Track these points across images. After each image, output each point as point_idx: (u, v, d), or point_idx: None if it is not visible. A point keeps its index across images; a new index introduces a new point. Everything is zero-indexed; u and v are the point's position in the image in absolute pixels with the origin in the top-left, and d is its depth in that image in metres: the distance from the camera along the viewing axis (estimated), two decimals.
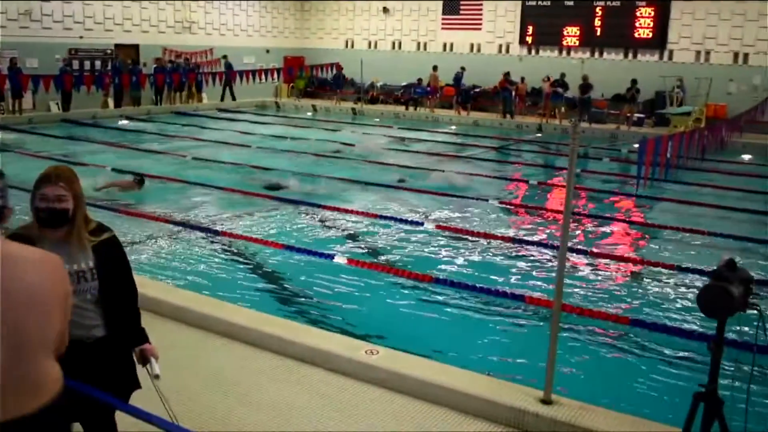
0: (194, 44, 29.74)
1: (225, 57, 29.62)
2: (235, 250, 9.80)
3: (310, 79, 33.42)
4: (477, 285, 8.46)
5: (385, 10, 32.53)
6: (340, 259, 9.22)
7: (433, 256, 9.83)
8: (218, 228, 10.71)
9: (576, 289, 8.52)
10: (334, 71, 30.63)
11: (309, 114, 29.55)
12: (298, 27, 34.92)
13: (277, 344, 6.03)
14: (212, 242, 10.11)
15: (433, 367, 5.65)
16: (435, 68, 29.55)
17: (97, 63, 26.25)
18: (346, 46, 34.00)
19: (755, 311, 3.64)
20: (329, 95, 32.60)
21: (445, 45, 31.34)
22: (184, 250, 9.74)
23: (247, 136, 21.23)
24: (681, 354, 6.87)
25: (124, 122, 23.91)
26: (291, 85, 33.16)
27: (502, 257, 9.87)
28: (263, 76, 28.62)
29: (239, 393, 5.32)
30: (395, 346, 6.39)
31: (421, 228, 11.15)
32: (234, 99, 29.32)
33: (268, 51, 32.89)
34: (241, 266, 9.22)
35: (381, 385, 5.47)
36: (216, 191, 13.23)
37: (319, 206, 12.26)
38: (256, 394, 5.31)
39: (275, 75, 29.61)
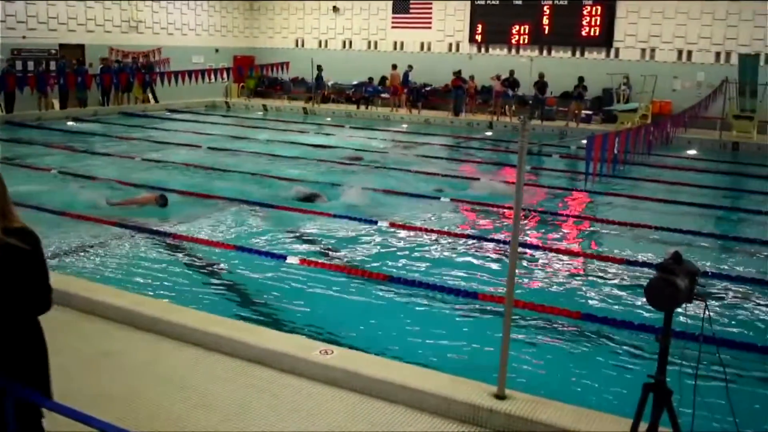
0: (141, 44, 29.28)
1: (146, 56, 29.00)
2: (186, 252, 9.67)
3: (261, 79, 33.17)
4: (430, 282, 8.50)
5: (335, 9, 32.46)
6: (292, 259, 9.17)
7: (386, 254, 9.84)
8: (168, 230, 10.56)
9: (528, 285, 8.62)
10: (316, 72, 30.09)
11: (260, 114, 29.34)
12: (248, 26, 34.64)
13: (229, 346, 5.97)
14: (162, 245, 9.97)
15: (387, 365, 5.65)
16: (394, 67, 29.54)
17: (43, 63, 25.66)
18: (297, 45, 33.83)
19: (701, 302, 3.73)
20: (279, 95, 32.42)
21: (395, 44, 31.40)
22: (133, 253, 9.57)
23: (197, 136, 20.99)
24: (631, 346, 6.99)
25: (71, 123, 23.43)
26: (241, 84, 32.86)
27: (454, 254, 9.92)
28: (212, 76, 28.30)
29: (192, 396, 5.25)
30: (350, 345, 6.39)
31: (375, 226, 11.15)
32: (156, 101, 28.46)
33: (217, 50, 32.55)
34: (192, 268, 9.10)
35: (335, 384, 5.45)
36: (166, 193, 13.01)
37: (271, 207, 12.18)
38: (209, 397, 5.24)
39: (225, 75, 29.32)
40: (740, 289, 8.76)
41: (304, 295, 8.17)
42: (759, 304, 8.34)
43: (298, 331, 6.86)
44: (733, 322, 7.65)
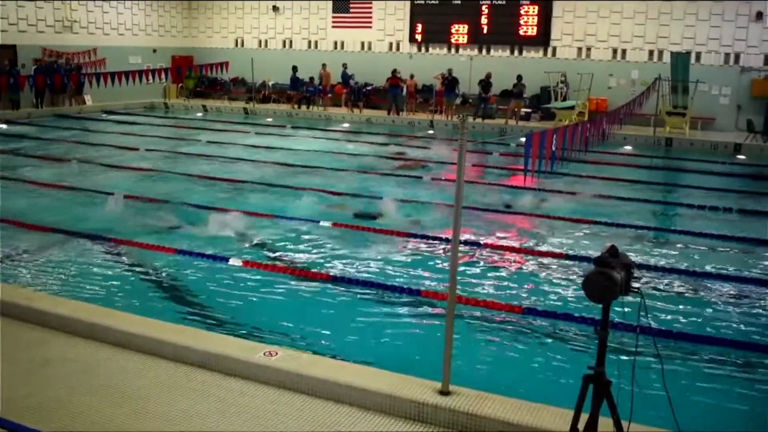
0: (76, 44, 28.58)
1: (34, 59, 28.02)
2: (125, 257, 9.49)
3: (200, 79, 32.72)
4: (374, 281, 8.53)
5: (275, 8, 32.24)
6: (234, 261, 9.09)
7: (329, 254, 9.82)
8: (107, 235, 10.34)
9: (471, 281, 8.71)
10: (292, 73, 29.58)
11: (199, 114, 28.95)
12: (186, 26, 34.13)
13: (172, 351, 5.89)
14: (101, 249, 9.76)
15: (332, 365, 5.66)
16: (324, 66, 29.48)
17: None
18: (236, 44, 33.49)
19: (637, 294, 3.83)
20: (219, 95, 32.06)
21: (336, 43, 31.35)
22: (71, 259, 9.35)
23: (134, 138, 20.62)
24: (572, 338, 7.14)
25: (2, 126, 22.75)
26: (180, 85, 32.37)
27: (398, 253, 9.96)
28: (150, 77, 27.77)
29: (134, 404, 5.17)
30: (294, 347, 6.37)
31: (318, 226, 11.13)
32: (41, 107, 27.12)
33: (155, 50, 31.99)
34: (132, 273, 8.94)
35: (281, 386, 5.44)
36: (103, 197, 12.77)
37: (212, 209, 12.05)
38: (152, 404, 5.17)
39: (163, 75, 28.82)
40: (674, 281, 9.01)
41: (248, 297, 8.11)
42: (692, 295, 8.60)
43: (241, 334, 6.81)
44: (668, 313, 7.87)
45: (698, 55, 25.08)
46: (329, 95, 29.72)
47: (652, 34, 25.86)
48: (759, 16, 24.30)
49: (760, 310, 8.16)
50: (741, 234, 11.43)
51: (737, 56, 24.87)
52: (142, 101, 30.04)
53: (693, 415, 5.33)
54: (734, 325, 7.69)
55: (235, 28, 33.55)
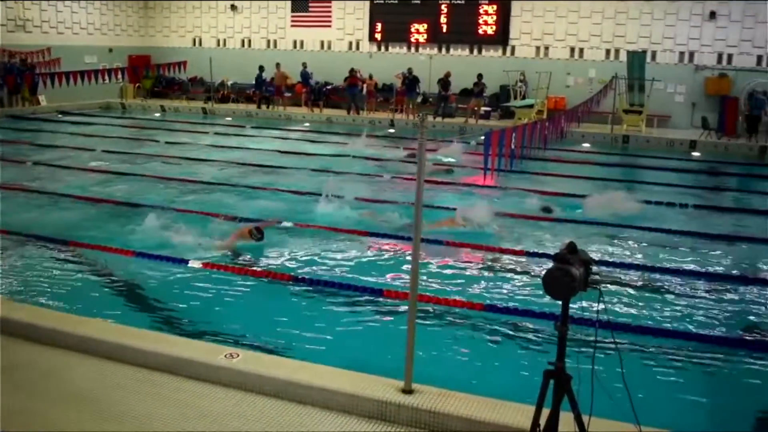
0: (29, 43, 28.03)
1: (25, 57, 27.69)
2: (84, 260, 9.33)
3: (158, 79, 32.31)
4: (336, 281, 8.51)
5: (233, 7, 31.99)
6: (194, 263, 8.99)
7: (290, 255, 9.77)
8: (64, 238, 10.15)
9: (432, 280, 8.73)
10: (258, 72, 29.14)
11: (157, 115, 28.60)
12: (143, 25, 33.68)
13: (133, 355, 5.80)
14: (58, 253, 9.58)
15: (294, 366, 5.63)
16: (278, 66, 29.28)
17: None
18: (194, 44, 33.16)
19: (596, 290, 3.87)
20: (177, 95, 31.71)
21: (295, 42, 31.22)
22: (29, 263, 9.16)
23: (90, 139, 20.30)
24: (532, 334, 7.20)
25: None
26: (137, 85, 31.94)
27: (359, 252, 9.95)
28: (106, 77, 27.35)
29: (96, 409, 5.08)
30: (256, 348, 6.33)
31: (279, 226, 11.07)
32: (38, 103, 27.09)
33: (111, 50, 31.51)
34: (91, 276, 8.79)
35: (243, 388, 5.40)
36: (61, 199, 12.55)
37: (172, 210, 11.91)
38: (114, 408, 5.09)
39: (119, 75, 28.41)
40: (632, 276, 9.14)
41: (208, 299, 8.04)
42: (649, 289, 8.73)
43: (203, 337, 6.74)
44: (626, 307, 7.99)
45: (654, 54, 25.51)
46: (288, 95, 29.51)
47: (609, 33, 26.23)
48: (712, 15, 24.79)
49: (716, 304, 8.32)
50: (697, 229, 11.63)
51: (691, 55, 25.34)
52: (98, 101, 29.58)
53: (652, 408, 5.41)
54: (691, 319, 7.83)
55: (193, 27, 33.22)
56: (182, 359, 5.67)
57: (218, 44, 32.72)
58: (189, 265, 8.97)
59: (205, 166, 16.59)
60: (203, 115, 28.80)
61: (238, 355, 5.67)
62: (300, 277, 8.63)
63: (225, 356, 5.65)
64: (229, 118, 27.58)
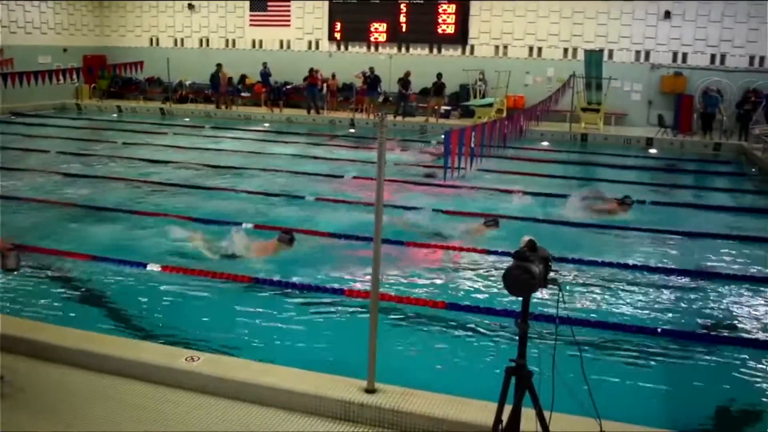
0: None
1: None
2: (39, 265, 9.12)
3: (114, 79, 31.82)
4: (297, 282, 8.46)
5: (191, 6, 31.64)
6: (153, 267, 8.87)
7: (252, 256, 9.68)
8: (18, 242, 9.90)
9: (394, 279, 8.73)
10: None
11: (114, 115, 28.18)
12: (98, 24, 33.13)
13: (92, 360, 5.70)
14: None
15: (256, 368, 5.59)
16: (220, 66, 28.90)
17: None
18: (151, 43, 32.72)
19: (555, 287, 3.90)
20: (134, 95, 31.27)
21: (254, 42, 31.00)
22: None
23: (44, 140, 19.92)
24: (494, 332, 7.24)
25: None
26: (93, 85, 31.42)
27: (320, 253, 9.91)
28: (61, 77, 26.82)
29: (52, 417, 4.98)
30: (217, 351, 6.26)
31: (240, 228, 10.97)
32: None
33: (65, 50, 30.91)
34: (47, 282, 8.61)
35: (204, 391, 5.35)
36: (13, 202, 12.29)
37: (128, 212, 11.75)
38: (72, 416, 4.99)
39: (74, 75, 27.90)
40: (591, 272, 9.25)
41: (168, 302, 7.94)
42: (608, 285, 8.84)
43: (162, 340, 6.65)
44: (586, 303, 8.08)
45: (611, 53, 25.85)
46: (218, 94, 29.21)
47: (567, 32, 26.52)
48: (667, 14, 25.21)
49: (674, 298, 8.45)
50: (653, 225, 11.81)
51: (647, 54, 25.75)
52: (53, 102, 29.04)
53: (612, 402, 5.47)
54: (649, 314, 7.95)
55: (150, 27, 32.77)
56: (141, 363, 5.59)
57: (176, 44, 32.33)
58: (148, 268, 8.84)
59: (164, 167, 16.38)
60: (161, 115, 28.45)
61: (199, 358, 5.62)
62: (261, 278, 8.56)
63: (185, 359, 5.59)
64: (188, 119, 27.29)
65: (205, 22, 31.75)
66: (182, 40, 32.28)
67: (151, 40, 32.79)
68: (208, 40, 31.86)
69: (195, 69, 30.48)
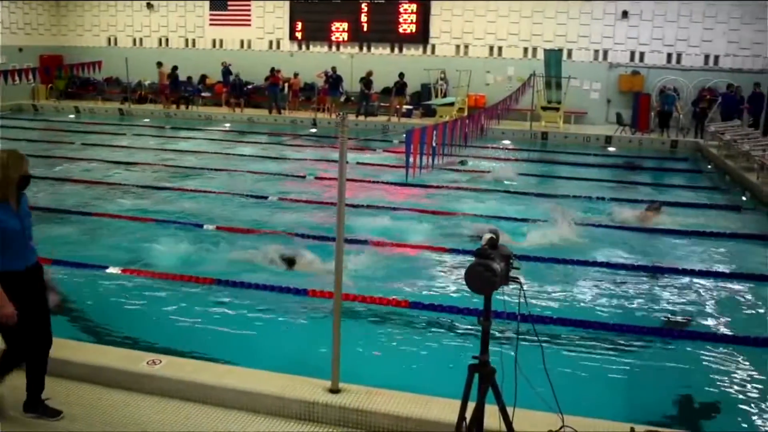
0: None
1: None
2: None
3: (71, 79, 31.29)
4: (260, 284, 8.41)
5: (149, 5, 31.26)
6: (113, 269, 8.75)
7: (213, 258, 9.60)
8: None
9: (357, 279, 8.70)
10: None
11: (72, 116, 27.70)
12: (54, 24, 32.56)
13: (52, 366, 5.58)
14: None
15: (218, 370, 5.55)
16: (159, 65, 28.66)
17: None
18: (109, 43, 32.25)
19: (516, 284, 3.94)
20: (92, 96, 30.78)
21: (214, 41, 30.74)
22: None
23: (1, 142, 19.51)
24: (457, 329, 7.28)
25: None
26: (50, 85, 30.85)
27: (284, 253, 9.84)
28: (17, 77, 26.33)
29: (12, 424, 4.89)
30: (180, 354, 6.20)
31: (201, 230, 10.88)
32: None
33: (21, 50, 30.33)
34: None
35: (166, 395, 5.30)
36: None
37: (87, 214, 11.58)
38: (31, 425, 4.90)
39: (30, 75, 27.39)
40: (551, 268, 9.34)
41: (128, 305, 7.84)
42: (569, 281, 8.94)
43: (123, 344, 6.57)
44: (547, 299, 8.16)
45: (570, 52, 26.14)
46: (160, 94, 28.98)
47: (527, 32, 26.75)
48: (624, 14, 25.57)
49: (634, 293, 8.58)
50: (612, 222, 11.97)
51: (605, 53, 26.09)
52: (9, 103, 28.40)
53: (574, 397, 5.54)
54: (609, 309, 8.06)
55: (108, 26, 32.30)
56: (102, 368, 5.53)
57: (134, 43, 31.91)
58: (107, 271, 8.72)
59: (123, 168, 16.18)
60: (120, 116, 28.07)
61: (161, 361, 5.56)
62: (222, 280, 8.49)
63: (147, 363, 5.53)
64: (148, 120, 26.96)
65: (164, 22, 31.39)
66: (141, 39, 31.87)
67: (109, 39, 32.32)
68: (167, 40, 31.50)
69: (154, 69, 30.08)
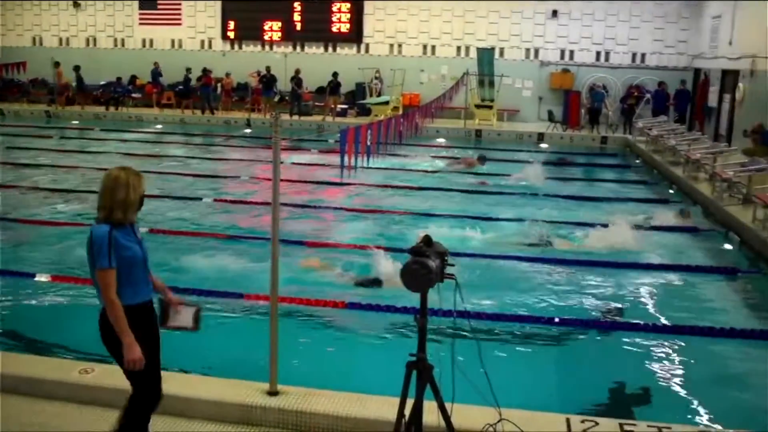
0: None
1: None
2: None
3: None
4: (194, 287, 8.26)
5: (76, 4, 30.48)
6: (42, 277, 8.49)
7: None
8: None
9: (293, 280, 8.62)
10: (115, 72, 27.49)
11: None
12: None
13: None
14: None
15: None
16: (57, 64, 28.00)
17: None
18: (34, 43, 31.34)
19: (452, 281, 3.96)
20: (17, 97, 29.79)
21: (144, 41, 30.16)
22: None
23: None
24: (395, 328, 7.30)
25: None
26: None
27: (218, 256, 9.71)
28: None
29: None
30: (112, 362, 6.04)
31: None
32: None
33: None
34: None
35: (100, 404, 5.17)
36: None
37: (14, 221, 11.22)
38: None
39: None
40: (486, 265, 9.43)
41: (58, 313, 7.62)
42: (504, 277, 9.05)
43: (54, 353, 6.38)
44: (483, 296, 8.23)
45: (502, 51, 26.53)
46: (137, 95, 28.43)
47: (459, 31, 27.05)
48: (554, 13, 26.09)
49: (565, 287, 8.73)
50: (544, 217, 12.16)
51: (537, 51, 26.57)
52: None
53: (511, 390, 5.61)
54: (542, 303, 8.19)
55: (32, 26, 31.36)
56: (33, 378, 5.36)
57: (61, 43, 31.07)
58: (36, 279, 8.46)
59: (50, 171, 15.72)
60: (47, 118, 27.27)
61: (94, 370, 5.43)
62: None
63: (79, 372, 5.39)
64: (76, 122, 26.26)
65: (92, 21, 30.66)
66: (68, 39, 31.06)
67: (34, 39, 31.39)
68: (95, 40, 30.77)
69: (83, 70, 29.35)
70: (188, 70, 27.76)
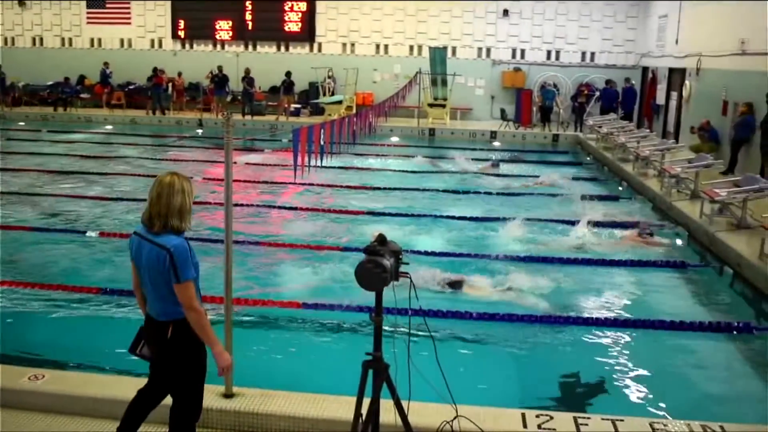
0: None
1: None
2: None
3: None
4: None
5: (22, 3, 29.78)
6: None
7: (95, 265, 9.24)
8: None
9: (248, 281, 8.57)
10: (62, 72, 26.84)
11: None
12: None
13: None
14: None
15: (106, 381, 5.37)
16: None
17: None
18: None
19: (407, 279, 3.98)
20: None
21: (92, 40, 29.61)
22: None
23: None
24: (351, 327, 7.30)
25: None
26: None
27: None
28: None
29: None
30: (63, 367, 5.95)
31: (83, 237, 10.46)
32: None
33: None
34: None
35: (51, 410, 5.07)
36: None
37: None
38: None
39: None
40: (441, 262, 9.48)
41: (4, 318, 7.43)
42: (457, 275, 9.07)
43: (1, 360, 6.23)
44: (436, 294, 8.27)
45: (454, 50, 26.71)
46: (85, 96, 27.92)
47: (412, 30, 27.15)
48: (505, 13, 26.34)
49: (519, 284, 8.80)
50: (498, 214, 12.28)
51: (488, 50, 26.80)
52: None
53: (467, 387, 5.66)
54: (496, 300, 8.26)
55: None
56: None
57: (6, 43, 30.31)
58: None
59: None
60: None
61: (44, 376, 5.32)
62: (105, 288, 8.17)
63: (29, 378, 5.27)
64: (23, 123, 25.65)
65: (38, 20, 29.99)
66: (13, 39, 30.32)
67: None
68: (42, 39, 30.10)
69: (29, 70, 28.74)
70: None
